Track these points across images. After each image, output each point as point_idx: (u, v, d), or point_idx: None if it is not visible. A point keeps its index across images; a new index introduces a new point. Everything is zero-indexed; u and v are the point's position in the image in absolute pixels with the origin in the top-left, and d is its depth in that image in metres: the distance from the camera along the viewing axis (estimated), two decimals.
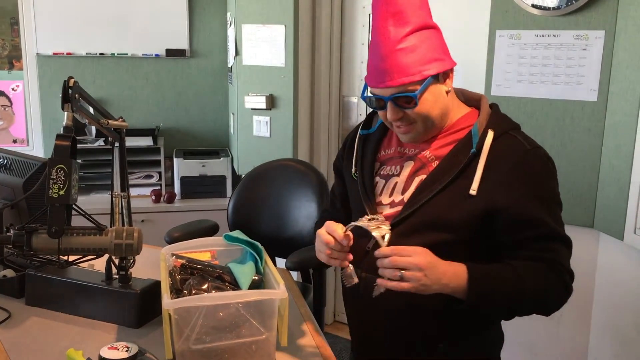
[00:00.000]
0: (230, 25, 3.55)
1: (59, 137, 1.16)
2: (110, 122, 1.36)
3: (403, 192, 1.36)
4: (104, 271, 1.59)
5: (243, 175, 2.77)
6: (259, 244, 1.58)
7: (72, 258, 1.39)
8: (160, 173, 3.74)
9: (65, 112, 1.20)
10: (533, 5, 2.43)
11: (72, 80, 1.20)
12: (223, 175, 3.73)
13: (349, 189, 1.51)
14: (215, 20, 3.92)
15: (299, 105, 3.25)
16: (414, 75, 1.26)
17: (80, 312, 1.58)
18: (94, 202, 3.38)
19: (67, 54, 3.77)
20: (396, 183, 1.38)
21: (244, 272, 1.49)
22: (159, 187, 3.72)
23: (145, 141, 3.69)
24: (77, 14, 3.74)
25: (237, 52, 3.38)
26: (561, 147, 2.48)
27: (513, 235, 1.28)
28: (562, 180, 2.45)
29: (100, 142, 3.59)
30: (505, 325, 2.75)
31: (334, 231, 1.28)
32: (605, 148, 2.39)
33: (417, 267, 1.17)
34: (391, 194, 1.38)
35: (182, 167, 3.70)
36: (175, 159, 3.73)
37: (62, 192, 1.15)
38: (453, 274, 1.21)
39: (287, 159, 2.82)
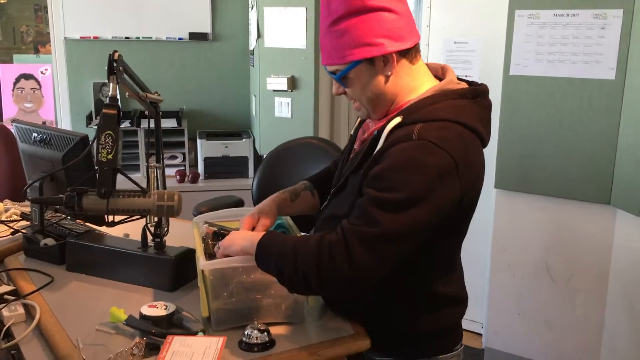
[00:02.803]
0: (252, 8, 3.61)
1: (106, 106, 1.26)
2: (148, 95, 1.45)
3: None
4: (139, 240, 1.69)
5: (265, 155, 2.85)
6: (285, 219, 1.65)
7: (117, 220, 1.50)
8: (184, 154, 3.84)
9: (110, 84, 1.29)
10: None
11: (117, 54, 1.29)
12: (245, 155, 3.82)
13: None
14: (237, 3, 3.99)
15: (320, 87, 3.32)
16: (337, 58, 1.29)
17: (117, 277, 1.67)
18: (120, 183, 3.48)
19: (94, 37, 3.87)
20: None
21: None
22: (183, 168, 3.82)
23: (170, 123, 3.79)
24: None
25: (259, 35, 3.44)
26: (579, 125, 2.52)
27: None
28: (580, 158, 2.52)
29: (126, 124, 3.69)
30: (523, 302, 2.81)
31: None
32: (623, 125, 2.42)
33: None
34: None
35: (206, 148, 3.80)
36: (198, 140, 3.83)
37: (110, 156, 1.24)
38: (248, 238, 1.35)
39: (309, 137, 2.89)
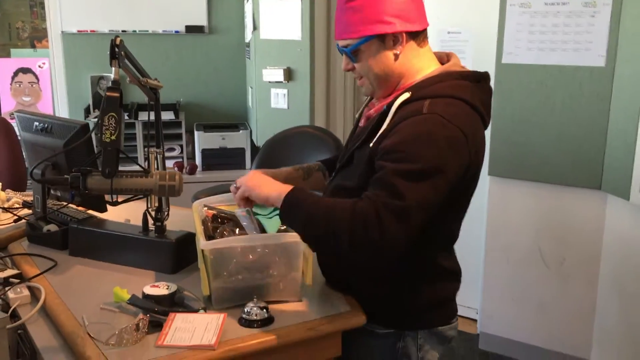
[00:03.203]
0: (248, 0, 3.65)
1: (109, 89, 1.30)
2: (148, 80, 1.49)
3: None
4: (139, 224, 1.73)
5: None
6: None
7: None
8: (182, 146, 3.88)
9: (113, 68, 1.33)
10: None
11: (118, 39, 1.34)
12: (242, 147, 3.87)
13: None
14: None
15: (316, 78, 3.36)
16: (351, 33, 1.37)
17: (119, 261, 1.71)
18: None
19: (91, 31, 3.91)
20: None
21: (271, 223, 1.62)
22: (181, 160, 3.86)
23: (167, 115, 3.83)
24: None
25: (255, 27, 3.48)
26: (570, 112, 2.57)
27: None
28: (571, 144, 2.57)
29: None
30: (516, 286, 2.86)
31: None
32: (613, 111, 2.47)
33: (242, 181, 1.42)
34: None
35: (203, 140, 3.84)
36: (196, 132, 3.87)
37: (113, 137, 1.29)
38: (275, 186, 1.38)
39: (305, 125, 2.94)
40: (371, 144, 1.34)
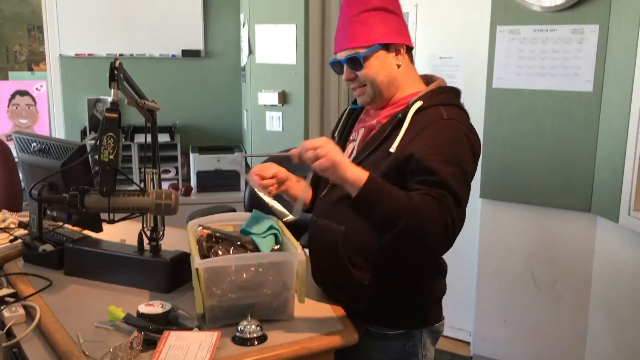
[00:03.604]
0: (244, 25, 3.71)
1: (108, 110, 1.34)
2: (145, 102, 1.52)
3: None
4: (134, 244, 1.75)
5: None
6: (276, 221, 1.72)
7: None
8: (177, 168, 3.91)
9: (112, 89, 1.37)
10: (532, 2, 2.57)
11: (117, 62, 1.38)
12: (237, 169, 3.89)
13: None
14: (229, 21, 4.09)
15: (310, 101, 3.41)
16: (362, 41, 1.51)
17: (114, 280, 1.73)
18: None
19: (89, 55, 3.96)
20: (353, 148, 1.63)
21: (265, 242, 1.64)
22: (176, 182, 3.88)
23: (163, 138, 3.85)
24: (97, 16, 3.94)
25: (251, 51, 3.54)
26: (560, 136, 2.62)
27: (412, 181, 1.40)
28: (561, 167, 2.62)
29: None
30: (509, 308, 2.87)
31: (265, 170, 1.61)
32: (601, 135, 2.53)
33: (320, 143, 1.36)
34: (349, 157, 1.60)
35: (198, 162, 3.86)
36: (191, 155, 3.90)
37: (111, 157, 1.32)
38: (357, 173, 1.35)
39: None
40: (392, 149, 1.45)
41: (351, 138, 1.66)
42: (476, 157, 1.47)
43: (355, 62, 1.52)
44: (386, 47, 1.52)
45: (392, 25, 1.53)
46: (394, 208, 1.32)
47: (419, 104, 1.48)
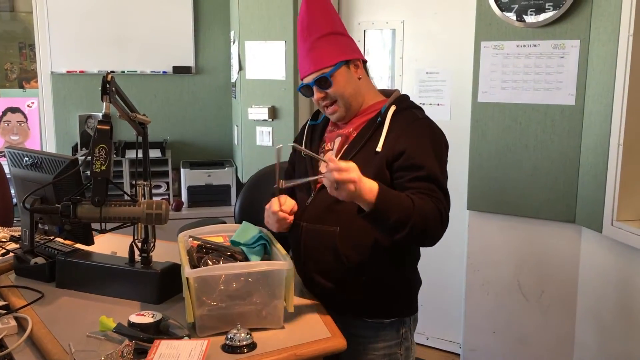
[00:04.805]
0: (234, 42, 3.77)
1: (100, 122, 1.38)
2: (137, 115, 1.56)
3: None
4: (126, 256, 1.78)
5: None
6: (265, 231, 1.75)
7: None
8: (168, 183, 3.93)
9: (104, 103, 1.41)
10: (514, 18, 2.64)
11: (109, 76, 1.42)
12: (227, 184, 3.93)
13: (297, 163, 1.92)
14: (220, 38, 4.15)
15: (299, 115, 3.45)
16: (326, 62, 1.68)
17: (106, 292, 1.75)
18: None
19: (80, 71, 3.99)
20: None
21: (255, 253, 1.68)
22: (167, 197, 3.90)
23: (154, 153, 3.88)
24: (89, 33, 3.98)
25: (241, 67, 3.59)
26: (544, 148, 2.68)
27: (403, 178, 1.59)
28: (545, 179, 2.67)
29: None
30: (497, 319, 2.90)
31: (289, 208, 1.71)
32: (584, 147, 2.58)
33: (351, 180, 1.42)
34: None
35: (189, 177, 3.90)
36: (182, 170, 3.93)
37: (103, 168, 1.35)
38: (369, 188, 1.47)
39: (288, 161, 3.00)
40: (379, 148, 1.63)
41: (327, 148, 1.79)
42: (447, 150, 1.69)
43: (324, 82, 1.68)
44: (347, 63, 1.70)
45: (345, 44, 1.73)
46: (404, 212, 1.48)
47: (394, 107, 1.68)
